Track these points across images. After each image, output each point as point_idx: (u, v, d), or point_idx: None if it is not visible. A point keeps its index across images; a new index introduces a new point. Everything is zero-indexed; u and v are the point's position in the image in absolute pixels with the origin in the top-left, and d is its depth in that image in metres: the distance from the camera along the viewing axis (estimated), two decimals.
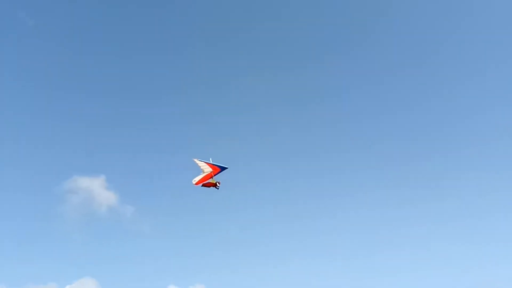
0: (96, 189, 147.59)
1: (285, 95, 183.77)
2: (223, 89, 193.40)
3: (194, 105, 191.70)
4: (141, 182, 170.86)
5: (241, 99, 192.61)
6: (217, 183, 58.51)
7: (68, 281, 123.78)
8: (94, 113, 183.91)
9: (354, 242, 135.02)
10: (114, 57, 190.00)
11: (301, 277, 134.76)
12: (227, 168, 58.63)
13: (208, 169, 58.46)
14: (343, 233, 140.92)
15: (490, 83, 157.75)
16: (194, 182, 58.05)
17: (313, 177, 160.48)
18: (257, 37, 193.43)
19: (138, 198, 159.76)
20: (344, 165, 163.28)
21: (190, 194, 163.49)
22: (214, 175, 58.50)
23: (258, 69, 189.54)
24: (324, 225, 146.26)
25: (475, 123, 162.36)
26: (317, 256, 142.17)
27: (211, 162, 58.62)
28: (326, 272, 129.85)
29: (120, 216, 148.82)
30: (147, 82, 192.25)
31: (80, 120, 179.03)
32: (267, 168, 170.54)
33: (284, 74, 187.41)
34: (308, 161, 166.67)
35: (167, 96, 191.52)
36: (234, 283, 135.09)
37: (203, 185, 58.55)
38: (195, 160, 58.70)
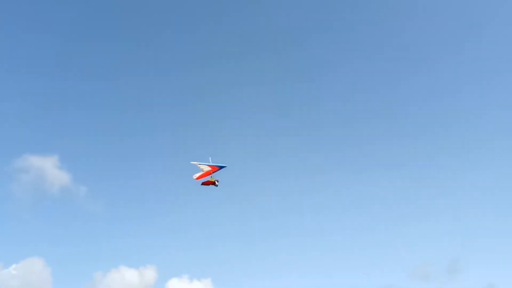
0: (48, 168, 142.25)
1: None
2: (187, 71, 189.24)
3: (155, 87, 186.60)
4: (95, 163, 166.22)
5: (209, 83, 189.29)
6: (216, 181, 61.93)
7: (15, 260, 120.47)
8: (48, 90, 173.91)
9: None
10: (73, 34, 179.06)
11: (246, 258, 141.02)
12: (225, 166, 62.00)
13: (207, 168, 61.56)
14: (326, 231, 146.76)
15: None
16: (195, 177, 61.41)
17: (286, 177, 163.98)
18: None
19: (92, 179, 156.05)
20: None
21: (145, 176, 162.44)
22: (213, 173, 61.76)
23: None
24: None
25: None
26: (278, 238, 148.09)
27: (210, 163, 61.58)
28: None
29: (73, 196, 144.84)
30: (107, 61, 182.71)
31: (33, 97, 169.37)
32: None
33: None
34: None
35: (124, 76, 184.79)
36: (185, 265, 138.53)
37: (202, 184, 61.81)
38: (194, 163, 61.57)
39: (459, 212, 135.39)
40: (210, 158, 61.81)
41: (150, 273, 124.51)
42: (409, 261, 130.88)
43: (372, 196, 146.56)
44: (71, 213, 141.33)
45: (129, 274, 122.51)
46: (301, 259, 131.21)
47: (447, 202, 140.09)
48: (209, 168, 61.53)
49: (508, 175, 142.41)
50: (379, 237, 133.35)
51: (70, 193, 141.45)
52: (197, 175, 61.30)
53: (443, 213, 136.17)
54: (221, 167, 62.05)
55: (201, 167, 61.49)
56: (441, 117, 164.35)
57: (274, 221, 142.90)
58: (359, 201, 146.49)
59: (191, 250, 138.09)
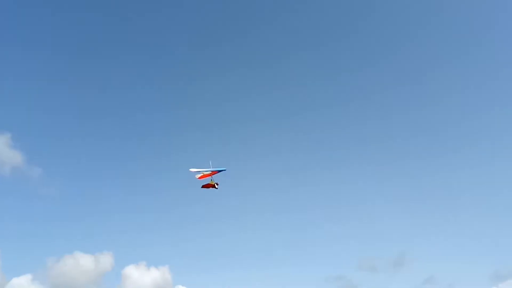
0: None
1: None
2: None
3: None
4: (52, 143, 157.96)
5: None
6: (216, 184, 64.16)
7: None
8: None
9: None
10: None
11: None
12: (225, 169, 64.21)
13: (207, 172, 63.53)
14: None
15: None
16: (197, 177, 64.10)
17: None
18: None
19: (47, 160, 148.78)
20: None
21: (104, 159, 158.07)
22: (213, 176, 63.97)
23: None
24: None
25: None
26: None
27: (210, 168, 64.33)
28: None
29: (26, 178, 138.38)
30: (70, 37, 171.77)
31: None
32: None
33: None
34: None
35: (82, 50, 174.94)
36: (143, 252, 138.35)
37: (202, 187, 63.85)
38: (192, 170, 63.19)
39: (405, 210, 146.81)
40: (210, 161, 64.04)
41: (106, 260, 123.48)
42: (359, 254, 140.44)
43: (326, 194, 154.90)
44: (23, 195, 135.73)
45: (84, 260, 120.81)
46: (257, 251, 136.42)
47: (395, 201, 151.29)
48: (209, 172, 63.42)
49: (449, 178, 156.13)
50: (331, 231, 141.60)
51: (23, 174, 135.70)
52: (199, 175, 63.38)
53: (391, 211, 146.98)
54: (219, 171, 64.14)
55: (201, 173, 63.29)
56: (396, 123, 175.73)
57: (233, 215, 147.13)
58: (313, 199, 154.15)
59: (149, 237, 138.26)
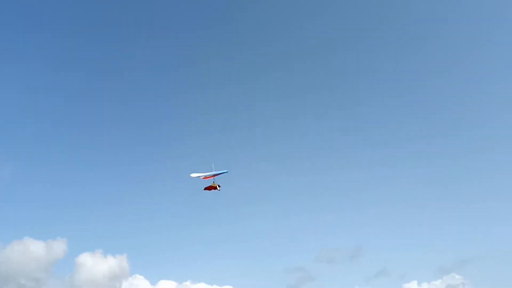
0: None
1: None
2: None
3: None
4: (3, 119, 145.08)
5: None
6: (218, 186, 63.66)
7: None
8: None
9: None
10: None
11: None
12: (226, 172, 63.86)
13: (208, 175, 62.88)
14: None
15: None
16: (202, 177, 65.75)
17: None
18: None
19: None
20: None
21: (60, 142, 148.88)
22: (214, 177, 63.46)
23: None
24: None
25: None
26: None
27: (211, 171, 63.55)
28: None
29: None
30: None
31: None
32: None
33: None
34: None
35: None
36: (99, 239, 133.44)
37: (205, 189, 63.18)
38: (194, 175, 62.11)
39: (363, 205, 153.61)
40: (213, 164, 63.71)
41: (59, 246, 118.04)
42: (318, 246, 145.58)
43: (286, 187, 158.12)
44: None
45: (35, 247, 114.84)
46: (216, 243, 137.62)
47: (353, 195, 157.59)
48: (211, 174, 63.00)
49: (400, 176, 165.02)
50: (291, 224, 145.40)
51: None
52: (203, 175, 62.41)
53: (350, 206, 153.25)
54: (221, 173, 63.73)
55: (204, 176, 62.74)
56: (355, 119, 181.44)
57: (193, 207, 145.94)
58: (273, 191, 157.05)
59: (107, 224, 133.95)
